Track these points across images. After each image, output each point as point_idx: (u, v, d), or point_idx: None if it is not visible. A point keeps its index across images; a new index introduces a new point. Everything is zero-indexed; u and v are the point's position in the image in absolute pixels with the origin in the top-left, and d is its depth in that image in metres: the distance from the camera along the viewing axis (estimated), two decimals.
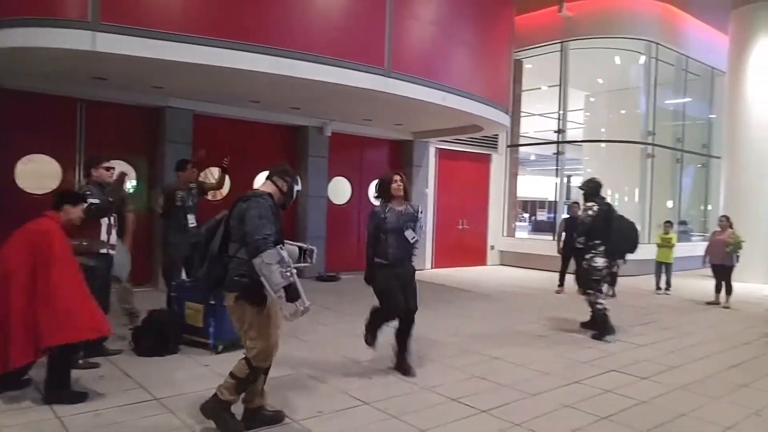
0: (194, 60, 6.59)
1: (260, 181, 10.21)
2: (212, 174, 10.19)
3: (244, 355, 3.65)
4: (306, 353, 5.69)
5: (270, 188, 3.78)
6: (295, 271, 3.40)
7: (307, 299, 3.46)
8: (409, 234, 4.99)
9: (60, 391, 4.13)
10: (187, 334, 5.68)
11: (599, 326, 6.90)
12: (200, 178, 6.84)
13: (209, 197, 9.77)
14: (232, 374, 3.62)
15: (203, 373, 4.97)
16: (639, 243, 7.31)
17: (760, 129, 12.55)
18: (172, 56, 6.47)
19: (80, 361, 4.83)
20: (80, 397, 4.16)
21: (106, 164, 5.27)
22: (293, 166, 10.70)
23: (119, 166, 6.34)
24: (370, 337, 5.25)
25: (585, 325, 7.19)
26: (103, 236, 5.06)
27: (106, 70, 7.35)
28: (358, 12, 8.02)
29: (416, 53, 8.74)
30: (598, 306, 6.89)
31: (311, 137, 11.03)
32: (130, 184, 8.96)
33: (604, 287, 7.81)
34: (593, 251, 6.92)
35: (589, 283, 6.96)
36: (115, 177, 5.35)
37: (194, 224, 6.38)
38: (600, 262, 6.89)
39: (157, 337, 5.43)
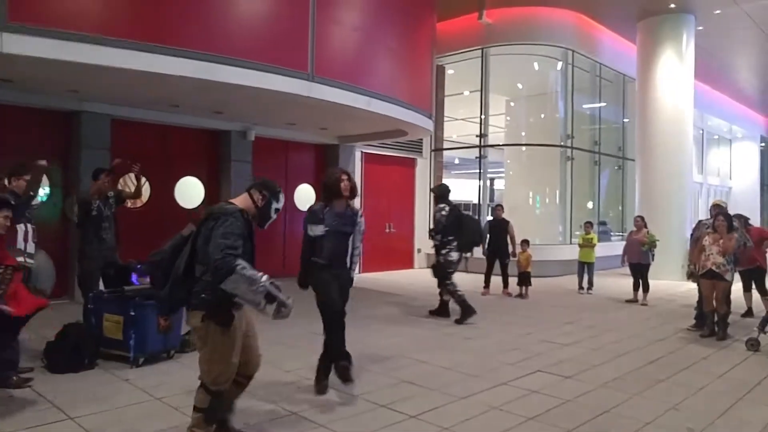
0: (110, 63, 6.31)
1: (183, 187, 10.10)
2: (132, 181, 9.78)
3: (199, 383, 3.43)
4: None
5: (245, 202, 3.51)
6: (265, 279, 3.16)
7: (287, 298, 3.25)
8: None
9: None
10: (106, 347, 5.46)
11: (462, 311, 7.78)
12: (120, 187, 6.51)
13: (129, 205, 9.39)
14: (195, 408, 3.38)
15: (123, 387, 4.77)
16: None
17: (668, 133, 13.27)
18: (87, 59, 6.16)
19: (14, 378, 4.64)
20: None
21: (28, 177, 5.04)
22: (216, 172, 10.75)
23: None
24: (320, 380, 4.77)
25: (434, 313, 8.09)
26: (20, 244, 4.77)
27: (13, 72, 6.90)
28: (280, 16, 7.89)
29: (340, 58, 8.69)
30: (458, 293, 7.82)
31: (234, 142, 10.75)
32: (43, 189, 8.41)
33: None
34: (448, 246, 7.81)
35: (445, 273, 7.86)
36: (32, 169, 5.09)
37: (104, 234, 6.14)
38: (454, 255, 7.86)
39: (72, 352, 5.17)
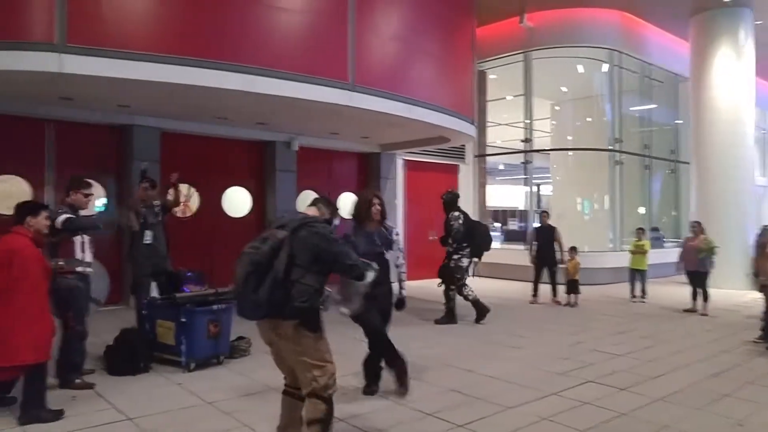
0: (159, 78, 6.61)
1: (230, 196, 10.29)
2: (182, 191, 10.05)
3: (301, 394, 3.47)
4: (273, 369, 5.47)
5: (315, 213, 3.69)
6: None
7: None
8: (391, 256, 4.84)
9: (35, 410, 4.08)
10: (159, 352, 5.68)
11: (477, 311, 8.17)
12: (169, 197, 6.72)
13: (179, 214, 9.66)
14: (310, 422, 3.36)
15: (176, 391, 4.94)
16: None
17: (726, 134, 12.68)
18: (138, 75, 6.49)
19: (77, 380, 4.92)
20: (56, 415, 4.13)
21: (86, 191, 5.22)
22: (262, 181, 11.02)
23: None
24: (367, 383, 4.97)
25: (441, 321, 8.17)
26: (78, 254, 4.98)
27: (74, 91, 7.35)
28: (320, 28, 8.00)
29: (380, 66, 8.76)
30: (469, 295, 8.15)
31: (279, 152, 10.94)
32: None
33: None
34: (461, 252, 8.11)
35: (454, 279, 8.15)
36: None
37: (149, 241, 6.33)
38: (465, 261, 8.18)
39: (129, 356, 5.42)
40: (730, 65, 12.82)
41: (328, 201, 3.83)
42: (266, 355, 5.81)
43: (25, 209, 4.37)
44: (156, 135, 9.35)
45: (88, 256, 5.08)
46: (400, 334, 7.06)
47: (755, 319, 7.87)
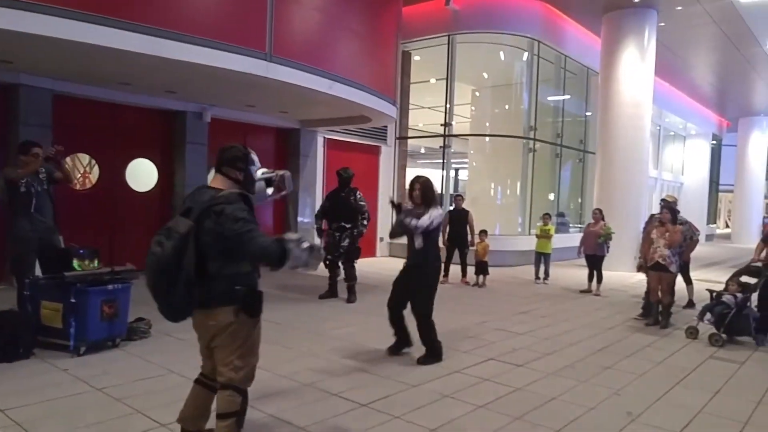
0: (48, 33, 5.72)
1: (135, 169, 9.74)
2: (81, 161, 9.40)
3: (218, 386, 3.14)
4: (173, 352, 5.26)
5: (224, 183, 3.14)
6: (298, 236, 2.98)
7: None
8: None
9: None
10: (43, 336, 5.20)
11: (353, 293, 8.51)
12: (68, 166, 5.98)
13: (78, 187, 9.03)
14: (222, 415, 3.06)
15: (61, 378, 4.57)
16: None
17: (628, 127, 13.40)
18: (19, 26, 5.55)
19: None
20: None
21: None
22: (170, 154, 10.40)
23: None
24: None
25: (324, 296, 8.55)
26: None
27: None
28: None
29: (301, 38, 8.41)
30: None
31: (189, 123, 10.33)
32: None
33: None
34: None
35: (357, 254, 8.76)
36: None
37: (33, 211, 5.65)
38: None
39: (6, 341, 4.90)
40: (635, 63, 13.50)
41: (231, 158, 3.16)
42: (167, 337, 5.67)
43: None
44: (47, 97, 8.35)
45: None
46: (309, 314, 7.07)
47: (639, 299, 8.54)
